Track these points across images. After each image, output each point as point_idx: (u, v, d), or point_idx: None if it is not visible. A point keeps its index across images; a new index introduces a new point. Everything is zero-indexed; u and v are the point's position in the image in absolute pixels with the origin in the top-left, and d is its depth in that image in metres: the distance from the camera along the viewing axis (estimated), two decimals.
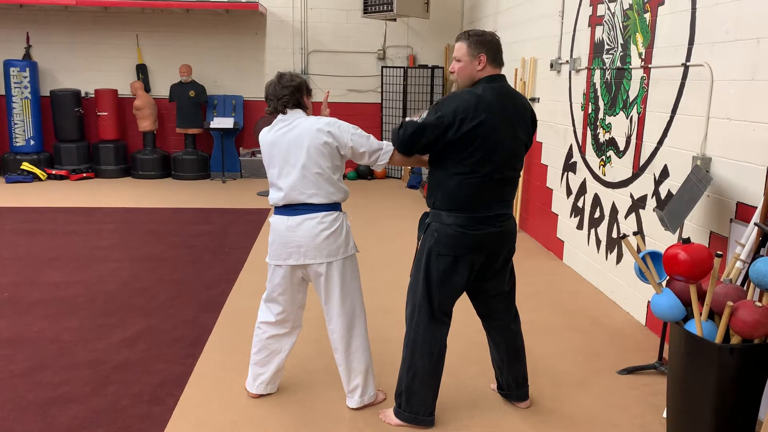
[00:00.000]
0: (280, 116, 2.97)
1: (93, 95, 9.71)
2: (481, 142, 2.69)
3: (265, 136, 2.99)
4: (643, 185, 4.32)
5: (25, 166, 9.25)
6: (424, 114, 2.74)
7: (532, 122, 2.95)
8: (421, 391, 2.92)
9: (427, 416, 2.96)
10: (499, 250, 2.91)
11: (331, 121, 2.93)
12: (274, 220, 3.00)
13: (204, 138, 10.05)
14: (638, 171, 4.39)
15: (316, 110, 2.98)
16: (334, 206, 2.97)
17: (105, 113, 9.56)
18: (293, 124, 2.92)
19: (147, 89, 9.83)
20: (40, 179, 9.31)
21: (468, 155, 2.71)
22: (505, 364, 3.14)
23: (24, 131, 9.41)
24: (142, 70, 9.87)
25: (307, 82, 3.06)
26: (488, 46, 2.80)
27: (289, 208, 2.94)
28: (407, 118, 2.81)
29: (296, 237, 2.92)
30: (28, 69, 9.31)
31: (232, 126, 9.43)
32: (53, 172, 9.42)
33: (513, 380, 3.16)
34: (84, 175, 9.56)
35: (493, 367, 3.24)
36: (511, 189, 2.89)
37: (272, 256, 3.03)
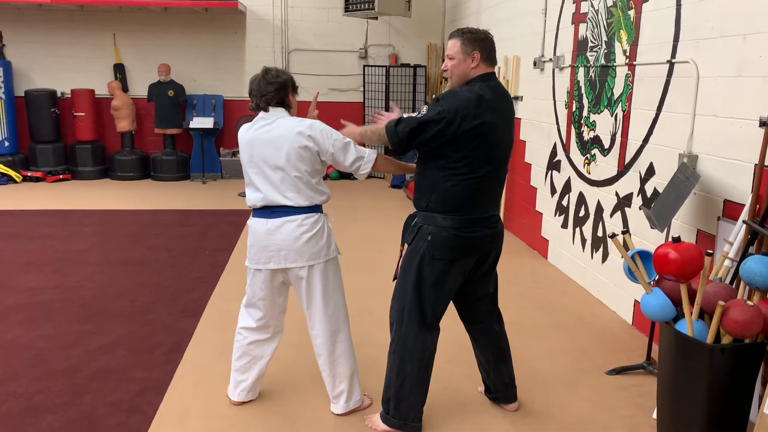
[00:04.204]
0: (261, 113, 2.88)
1: (69, 95, 9.53)
2: (480, 142, 2.64)
3: (245, 133, 2.90)
4: (629, 183, 4.29)
5: (0, 168, 9.04)
6: (423, 110, 2.67)
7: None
8: (410, 396, 2.85)
9: (416, 422, 2.89)
10: (490, 251, 2.87)
11: (313, 124, 2.83)
12: (253, 223, 2.91)
13: (183, 138, 9.90)
14: (623, 169, 4.37)
15: (302, 110, 2.89)
16: (315, 208, 2.88)
17: (82, 114, 9.38)
18: (274, 124, 2.83)
19: (125, 89, 9.67)
20: (15, 181, 9.11)
21: (467, 155, 2.65)
22: (492, 366, 3.09)
23: None
24: (119, 70, 9.70)
25: (293, 79, 2.96)
26: (482, 43, 2.74)
27: (267, 210, 2.85)
28: (405, 115, 2.73)
29: (276, 240, 2.83)
30: (1, 69, 9.10)
31: (212, 126, 9.30)
32: (29, 174, 9.23)
33: (500, 382, 3.11)
34: (60, 176, 9.37)
35: (479, 371, 3.19)
36: (501, 189, 2.86)
37: (251, 260, 2.94)
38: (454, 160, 2.66)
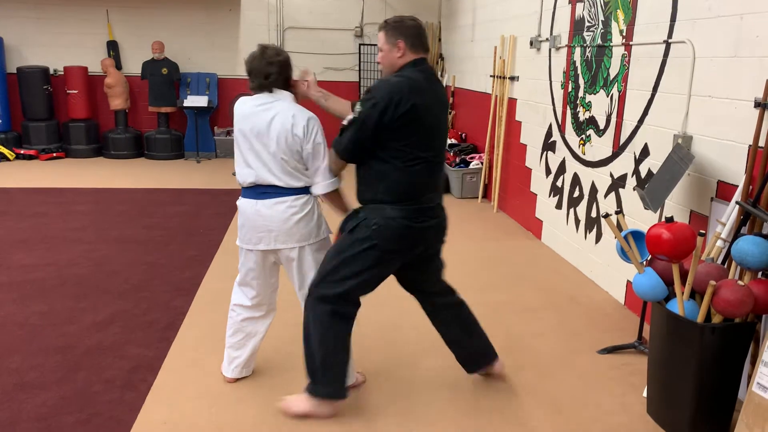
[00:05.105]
0: (264, 93, 2.82)
1: (62, 73, 9.44)
2: (418, 126, 2.62)
3: (242, 106, 2.84)
4: (623, 164, 4.29)
5: None
6: (358, 107, 2.63)
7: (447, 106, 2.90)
8: (334, 366, 2.81)
9: (343, 389, 2.86)
10: (436, 242, 2.87)
11: (310, 119, 2.77)
12: (242, 204, 2.89)
13: (177, 117, 9.84)
14: (618, 150, 4.37)
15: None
16: (305, 189, 2.85)
17: (75, 91, 9.31)
18: (272, 105, 2.78)
19: (118, 66, 9.58)
20: (8, 159, 9.06)
21: (407, 140, 2.62)
22: (466, 333, 3.09)
23: None
24: (113, 47, 9.60)
25: (289, 57, 2.91)
26: (406, 32, 2.71)
27: (258, 191, 2.83)
28: (344, 122, 2.68)
29: (266, 221, 2.82)
30: None
31: (206, 104, 9.24)
32: (22, 151, 9.17)
33: (480, 344, 3.12)
34: (54, 155, 9.31)
35: (452, 352, 3.16)
36: (441, 176, 2.84)
37: (243, 240, 2.93)
38: (397, 148, 2.63)
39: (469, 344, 3.12)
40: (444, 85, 3.29)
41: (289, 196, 2.80)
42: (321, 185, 2.82)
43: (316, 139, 2.77)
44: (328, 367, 2.82)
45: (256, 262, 2.95)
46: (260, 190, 2.82)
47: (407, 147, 2.63)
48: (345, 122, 2.68)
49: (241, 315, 3.07)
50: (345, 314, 2.80)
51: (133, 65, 9.63)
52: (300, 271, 2.91)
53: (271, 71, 2.77)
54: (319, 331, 2.78)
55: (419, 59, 2.74)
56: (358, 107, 2.63)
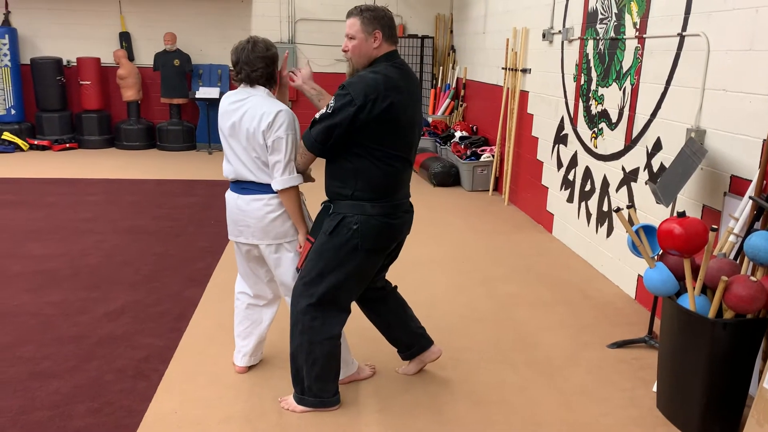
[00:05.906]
0: (243, 86, 2.81)
1: (75, 64, 9.49)
2: (393, 124, 2.59)
3: (222, 103, 2.84)
4: (636, 158, 4.26)
5: (6, 136, 9.05)
6: (331, 102, 2.57)
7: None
8: (322, 375, 2.79)
9: (333, 397, 2.85)
10: (406, 236, 2.85)
11: (279, 113, 2.69)
12: (227, 196, 2.92)
13: (189, 108, 9.87)
14: (630, 143, 4.34)
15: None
16: None
17: (88, 82, 9.36)
18: (246, 101, 2.76)
19: (131, 58, 9.62)
20: (21, 150, 9.13)
21: (383, 138, 2.59)
22: (405, 316, 3.09)
23: (4, 100, 9.19)
24: (125, 38, 9.64)
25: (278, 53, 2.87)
26: (382, 21, 2.65)
27: (239, 185, 2.85)
28: (317, 115, 2.61)
29: (244, 216, 2.84)
30: (7, 36, 9.05)
31: (218, 96, 9.25)
32: (35, 142, 9.24)
33: (416, 327, 3.12)
34: (67, 145, 9.38)
35: (391, 343, 3.17)
36: (411, 173, 2.82)
37: (228, 231, 2.97)
38: (372, 146, 2.59)
39: (408, 327, 3.10)
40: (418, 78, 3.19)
41: (266, 194, 2.79)
42: (278, 180, 2.72)
43: (278, 133, 2.68)
44: (316, 379, 2.79)
45: (239, 254, 3.01)
46: (241, 186, 2.84)
47: (383, 145, 2.59)
48: (317, 116, 2.61)
49: (244, 303, 3.12)
50: (334, 323, 2.77)
51: (146, 56, 9.67)
52: (278, 269, 2.90)
53: (259, 66, 2.75)
54: (305, 344, 2.75)
55: (393, 52, 2.70)
56: (331, 102, 2.57)
